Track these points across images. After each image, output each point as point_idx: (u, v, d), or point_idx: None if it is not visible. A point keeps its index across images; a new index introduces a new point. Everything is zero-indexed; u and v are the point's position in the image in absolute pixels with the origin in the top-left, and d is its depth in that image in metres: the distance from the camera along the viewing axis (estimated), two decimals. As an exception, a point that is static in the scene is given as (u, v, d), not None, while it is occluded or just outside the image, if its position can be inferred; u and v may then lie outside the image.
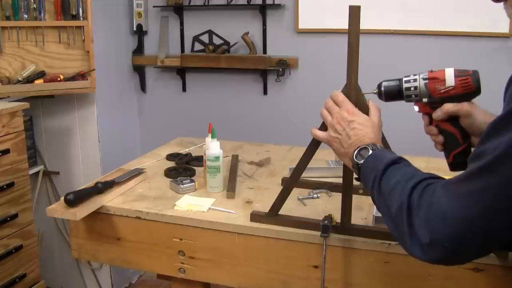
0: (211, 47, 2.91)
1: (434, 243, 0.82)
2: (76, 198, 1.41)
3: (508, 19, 2.35)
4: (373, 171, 0.99)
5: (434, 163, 1.77)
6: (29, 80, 2.30)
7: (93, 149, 2.73)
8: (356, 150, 1.06)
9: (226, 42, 2.91)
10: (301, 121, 2.80)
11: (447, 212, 0.81)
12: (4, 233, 2.06)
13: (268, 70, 2.86)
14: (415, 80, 1.12)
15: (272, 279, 1.36)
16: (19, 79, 2.30)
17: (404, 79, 1.14)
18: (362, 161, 1.04)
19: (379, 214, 1.33)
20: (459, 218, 0.80)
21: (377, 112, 1.15)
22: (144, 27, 3.06)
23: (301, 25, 2.77)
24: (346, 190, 1.26)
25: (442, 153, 1.19)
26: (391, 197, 0.92)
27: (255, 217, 1.36)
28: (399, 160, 0.99)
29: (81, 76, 2.41)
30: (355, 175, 1.12)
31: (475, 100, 1.14)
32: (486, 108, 1.15)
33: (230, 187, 1.56)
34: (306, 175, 1.47)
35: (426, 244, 0.83)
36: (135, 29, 3.04)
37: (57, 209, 1.42)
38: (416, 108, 1.17)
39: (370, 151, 1.03)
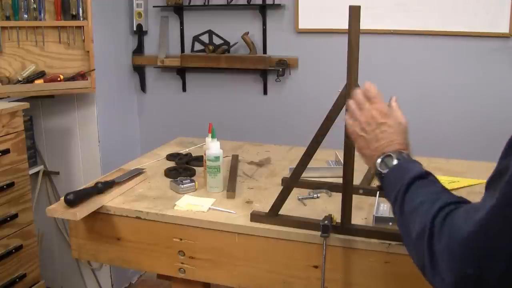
0: (211, 47, 2.91)
1: (456, 275, 0.75)
2: (76, 198, 1.42)
3: (508, 19, 2.36)
4: (396, 184, 0.92)
5: (434, 163, 1.77)
6: (29, 80, 2.30)
7: (93, 149, 2.73)
8: (380, 158, 0.99)
9: (226, 42, 2.91)
10: (301, 121, 2.81)
11: (469, 240, 0.73)
12: (4, 233, 2.06)
13: (268, 70, 2.86)
14: None
15: (272, 279, 1.36)
16: (19, 79, 2.30)
17: None
18: (386, 171, 0.97)
19: (379, 214, 1.34)
20: (482, 247, 0.72)
21: (402, 114, 1.07)
22: (144, 27, 3.05)
23: (301, 25, 2.77)
24: (346, 190, 1.26)
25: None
26: (413, 217, 0.86)
27: (255, 217, 1.36)
28: (426, 175, 0.92)
29: (81, 76, 2.41)
30: (377, 183, 1.05)
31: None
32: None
33: (230, 187, 1.56)
34: (306, 175, 1.47)
35: (450, 282, 0.76)
36: (135, 29, 3.04)
37: (57, 209, 1.42)
38: None
39: (395, 161, 0.97)
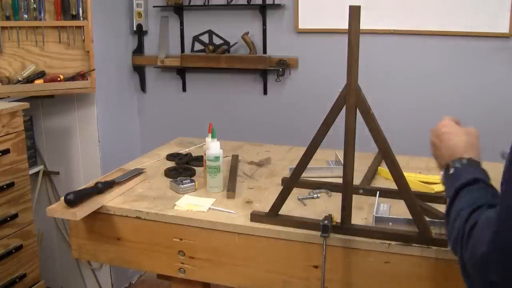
0: (211, 47, 2.91)
1: (482, 282, 0.79)
2: (76, 198, 1.42)
3: (508, 19, 2.36)
4: (448, 193, 0.97)
5: (435, 163, 1.77)
6: (29, 80, 2.30)
7: (93, 149, 2.73)
8: (444, 169, 1.03)
9: (226, 42, 2.91)
10: (301, 121, 2.81)
11: (487, 255, 0.77)
12: (4, 233, 2.06)
13: (268, 70, 2.86)
14: None
15: (272, 279, 1.36)
16: (19, 79, 2.30)
17: None
18: (444, 180, 1.02)
19: (379, 214, 1.34)
20: (499, 259, 0.76)
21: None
22: (144, 27, 3.05)
23: (301, 25, 2.77)
24: (346, 190, 1.26)
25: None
26: (454, 224, 0.89)
27: (255, 217, 1.36)
28: (474, 182, 0.94)
29: (81, 76, 2.41)
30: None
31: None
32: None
33: (230, 187, 1.56)
34: (306, 175, 1.47)
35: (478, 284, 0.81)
36: (135, 29, 3.04)
37: (57, 209, 1.42)
38: None
39: (451, 170, 1.00)
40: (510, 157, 0.78)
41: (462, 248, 0.84)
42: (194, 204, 1.46)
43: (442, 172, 1.04)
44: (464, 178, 0.95)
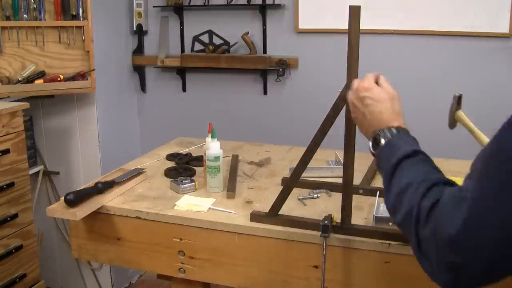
0: (211, 47, 2.91)
1: (443, 262, 0.75)
2: (76, 198, 1.42)
3: (508, 19, 2.36)
4: (386, 164, 0.92)
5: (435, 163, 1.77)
6: (29, 80, 2.30)
7: (93, 149, 2.73)
8: (372, 139, 0.99)
9: (226, 42, 2.91)
10: (301, 121, 2.81)
11: (456, 237, 0.73)
12: (4, 233, 2.06)
13: (268, 70, 2.86)
14: None
15: (272, 279, 1.36)
16: (19, 79, 2.30)
17: None
18: (377, 152, 0.97)
19: (379, 214, 1.34)
20: (468, 243, 0.72)
21: (388, 83, 1.07)
22: (144, 27, 3.05)
23: (301, 25, 2.77)
24: (346, 190, 1.26)
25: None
26: (400, 198, 0.85)
27: (255, 217, 1.36)
28: (414, 153, 0.90)
29: (81, 76, 2.41)
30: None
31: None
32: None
33: (230, 187, 1.57)
34: (306, 175, 1.47)
35: (437, 267, 0.77)
36: (135, 29, 3.04)
37: (57, 209, 1.42)
38: None
39: (383, 140, 0.96)
40: (495, 136, 0.75)
41: (418, 225, 0.79)
42: (194, 204, 1.46)
43: (370, 142, 0.99)
44: (401, 149, 0.91)
